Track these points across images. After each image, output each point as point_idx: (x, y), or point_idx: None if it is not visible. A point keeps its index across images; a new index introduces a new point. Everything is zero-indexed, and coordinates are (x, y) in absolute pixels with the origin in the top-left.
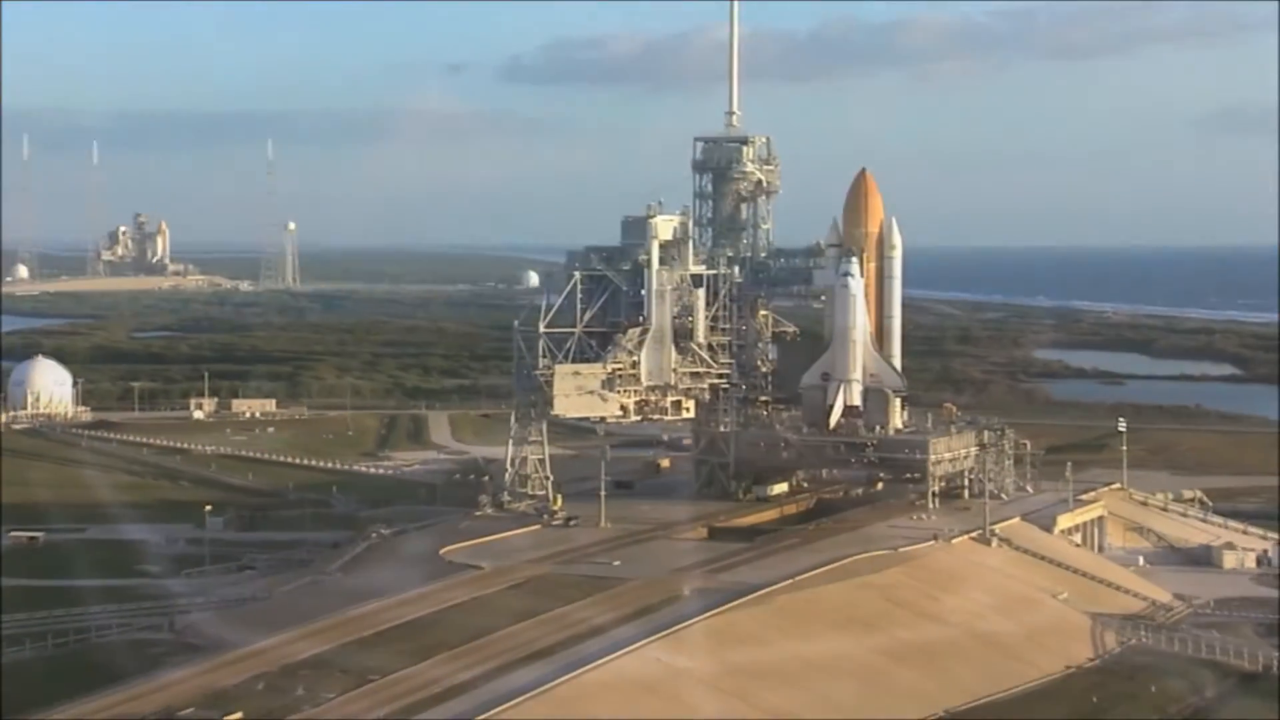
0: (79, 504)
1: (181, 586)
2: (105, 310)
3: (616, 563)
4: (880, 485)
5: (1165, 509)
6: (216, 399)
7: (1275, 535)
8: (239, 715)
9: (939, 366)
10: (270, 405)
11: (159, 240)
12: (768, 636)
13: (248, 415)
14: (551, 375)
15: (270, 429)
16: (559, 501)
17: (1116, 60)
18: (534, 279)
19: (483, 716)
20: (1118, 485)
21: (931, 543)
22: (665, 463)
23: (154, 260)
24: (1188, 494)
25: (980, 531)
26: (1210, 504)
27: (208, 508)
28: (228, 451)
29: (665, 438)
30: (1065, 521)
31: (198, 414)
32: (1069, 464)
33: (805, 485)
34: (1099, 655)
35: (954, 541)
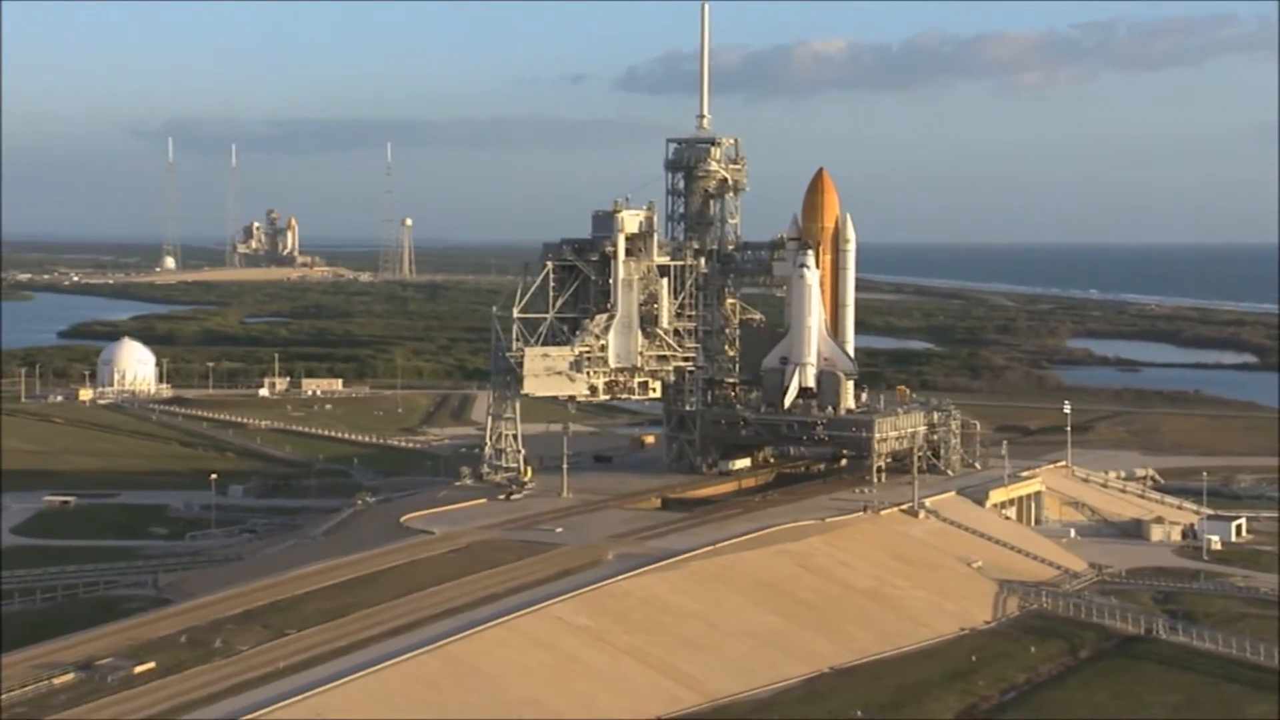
0: (124, 471)
1: (182, 547)
2: (229, 298)
3: (559, 529)
4: (845, 461)
5: (1105, 485)
6: (289, 378)
7: (1208, 510)
8: (152, 665)
9: (966, 354)
10: (337, 385)
11: (289, 235)
12: (674, 598)
13: (310, 394)
14: (522, 357)
15: (328, 406)
16: (529, 473)
17: (1189, 70)
18: None
19: (323, 689)
20: (1063, 463)
21: (859, 514)
22: (650, 439)
23: (284, 253)
24: (1140, 472)
25: (910, 504)
26: (1161, 481)
27: (213, 476)
28: (279, 426)
29: None
30: (998, 496)
31: (263, 392)
32: (1004, 443)
33: (772, 460)
34: (996, 618)
35: (882, 513)
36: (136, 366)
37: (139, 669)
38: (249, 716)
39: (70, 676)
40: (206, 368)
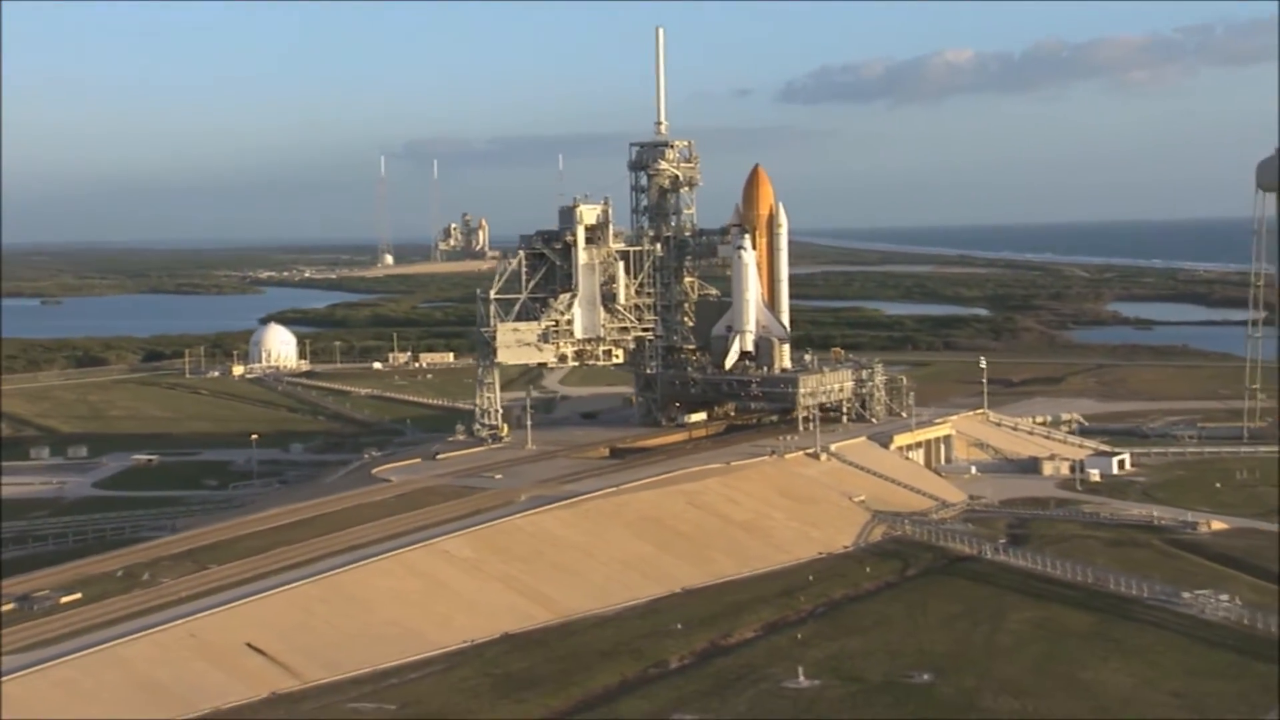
0: (226, 433)
1: (219, 496)
2: (417, 287)
3: (498, 476)
4: (795, 414)
5: (1015, 428)
6: (409, 353)
7: (1103, 447)
8: (78, 596)
9: (1001, 318)
10: (449, 358)
11: (480, 233)
12: (560, 532)
13: (416, 366)
14: (495, 332)
15: (429, 376)
16: (506, 430)
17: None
18: None
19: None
20: (981, 410)
21: (765, 457)
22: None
23: (476, 248)
24: (1065, 416)
25: (814, 448)
26: (1086, 424)
27: (254, 437)
28: (376, 393)
29: None
30: (902, 440)
31: (377, 365)
32: (911, 394)
33: (731, 414)
34: (855, 544)
35: (787, 456)
36: (280, 346)
37: (65, 599)
38: (129, 638)
39: (10, 606)
40: (347, 345)
